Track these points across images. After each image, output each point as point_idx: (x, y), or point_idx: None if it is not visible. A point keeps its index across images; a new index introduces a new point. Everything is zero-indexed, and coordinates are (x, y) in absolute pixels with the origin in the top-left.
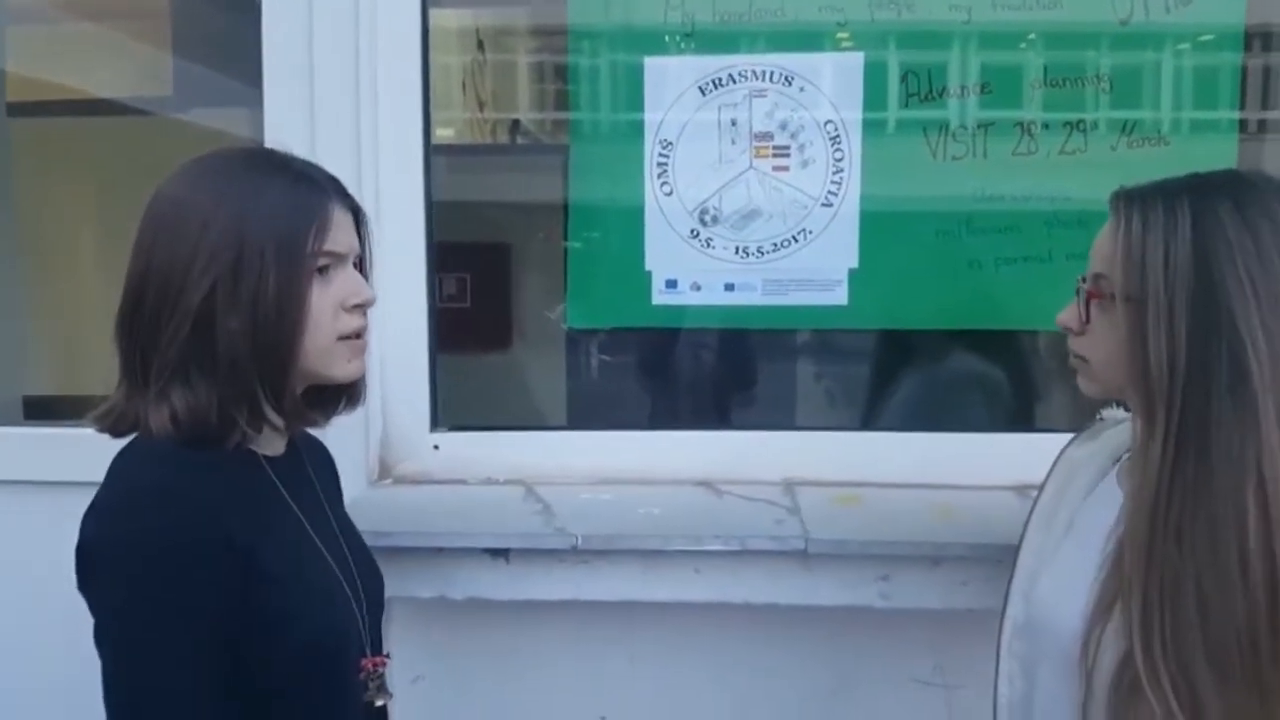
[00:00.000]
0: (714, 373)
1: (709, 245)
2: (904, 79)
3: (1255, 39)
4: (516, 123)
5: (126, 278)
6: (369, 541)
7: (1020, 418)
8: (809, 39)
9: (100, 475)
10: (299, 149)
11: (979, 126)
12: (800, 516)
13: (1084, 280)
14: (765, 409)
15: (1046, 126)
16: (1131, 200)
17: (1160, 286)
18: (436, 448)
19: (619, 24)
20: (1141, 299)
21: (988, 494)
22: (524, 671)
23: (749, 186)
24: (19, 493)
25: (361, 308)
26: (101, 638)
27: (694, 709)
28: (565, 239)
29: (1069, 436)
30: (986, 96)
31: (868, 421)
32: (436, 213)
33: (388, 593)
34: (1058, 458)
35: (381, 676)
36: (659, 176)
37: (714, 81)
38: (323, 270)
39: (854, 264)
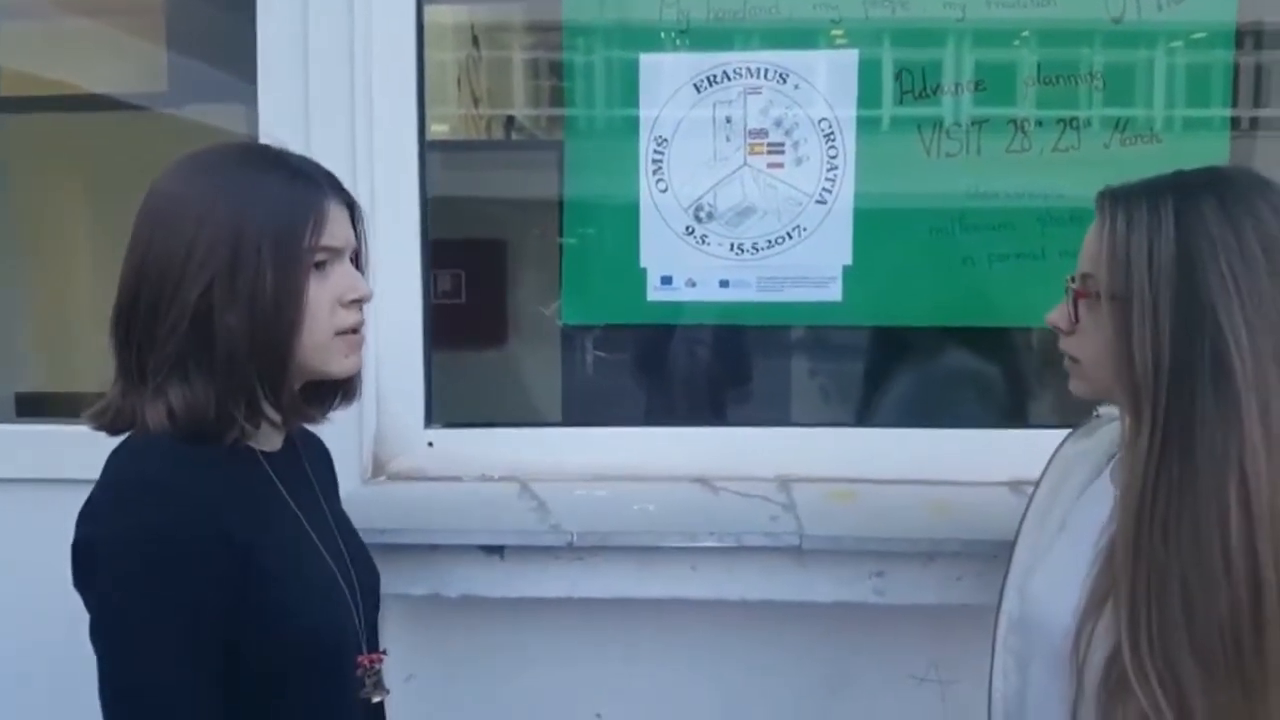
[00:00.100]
0: (709, 369)
1: (704, 242)
2: (898, 76)
3: (1247, 37)
4: (511, 119)
5: (122, 274)
6: (363, 539)
7: (1014, 414)
8: (803, 36)
9: (95, 472)
10: (294, 145)
11: (973, 124)
12: (795, 513)
13: (1073, 280)
14: (760, 405)
15: (1040, 124)
16: (1116, 199)
17: (1144, 285)
18: (431, 444)
19: (614, 20)
20: (1126, 297)
21: (982, 490)
22: (519, 669)
23: (744, 183)
24: (12, 490)
25: (359, 303)
26: (98, 634)
27: (689, 705)
28: (560, 235)
29: (1063, 432)
30: (980, 94)
31: (862, 418)
32: (431, 209)
33: (382, 590)
34: (1053, 454)
35: (378, 673)
36: (654, 173)
37: (709, 78)
38: (320, 265)
39: (848, 261)
